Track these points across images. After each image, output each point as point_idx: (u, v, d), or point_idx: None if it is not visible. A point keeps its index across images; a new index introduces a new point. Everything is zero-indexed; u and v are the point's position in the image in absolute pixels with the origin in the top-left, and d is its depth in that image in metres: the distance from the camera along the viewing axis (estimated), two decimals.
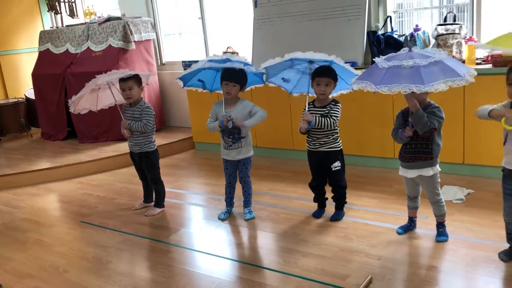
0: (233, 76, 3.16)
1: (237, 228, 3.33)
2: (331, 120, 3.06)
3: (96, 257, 3.05)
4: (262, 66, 3.27)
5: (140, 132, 3.53)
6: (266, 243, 3.09)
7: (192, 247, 3.10)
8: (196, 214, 3.75)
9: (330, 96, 3.13)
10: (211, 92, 3.51)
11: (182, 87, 3.48)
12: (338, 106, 3.12)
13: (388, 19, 4.43)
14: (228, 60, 3.16)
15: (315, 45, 4.49)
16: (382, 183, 3.83)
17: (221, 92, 3.30)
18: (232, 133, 3.26)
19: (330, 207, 3.34)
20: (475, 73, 2.40)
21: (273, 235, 3.15)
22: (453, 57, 3.93)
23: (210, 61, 3.19)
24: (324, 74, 3.04)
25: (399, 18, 4.80)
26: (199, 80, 3.42)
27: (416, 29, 4.16)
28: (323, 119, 3.06)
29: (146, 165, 3.64)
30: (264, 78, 3.36)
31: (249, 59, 4.82)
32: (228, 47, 5.30)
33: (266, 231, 3.22)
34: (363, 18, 4.33)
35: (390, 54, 2.55)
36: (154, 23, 6.19)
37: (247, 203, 3.46)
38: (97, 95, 3.75)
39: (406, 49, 2.51)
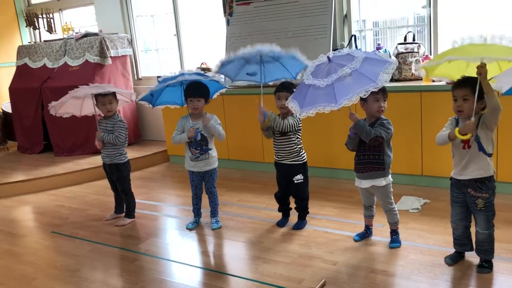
0: (195, 91, 3.32)
1: (204, 237, 3.45)
2: (288, 122, 3.19)
3: (64, 265, 3.14)
4: (217, 71, 3.37)
5: (112, 144, 3.66)
6: (231, 251, 3.22)
7: (159, 255, 3.21)
8: (165, 225, 3.86)
9: None
10: (153, 107, 3.57)
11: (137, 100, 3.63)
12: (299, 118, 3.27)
13: (353, 38, 4.65)
14: (182, 74, 3.30)
15: None
16: (345, 194, 4.00)
17: (162, 107, 3.58)
18: (200, 145, 3.40)
19: (294, 217, 3.49)
20: (395, 63, 2.54)
21: (238, 243, 3.28)
22: (412, 75, 4.17)
23: (165, 80, 3.33)
24: (283, 89, 3.22)
25: (375, 36, 5.03)
26: (151, 94, 3.50)
27: (378, 47, 4.38)
28: (279, 119, 3.22)
29: (116, 176, 3.76)
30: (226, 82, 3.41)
31: (222, 75, 4.99)
32: (202, 63, 5.47)
33: (232, 239, 3.35)
34: (328, 36, 4.55)
35: (319, 63, 2.77)
36: (131, 39, 6.34)
37: (214, 213, 3.59)
38: (82, 102, 3.79)
39: (325, 58, 2.70)
